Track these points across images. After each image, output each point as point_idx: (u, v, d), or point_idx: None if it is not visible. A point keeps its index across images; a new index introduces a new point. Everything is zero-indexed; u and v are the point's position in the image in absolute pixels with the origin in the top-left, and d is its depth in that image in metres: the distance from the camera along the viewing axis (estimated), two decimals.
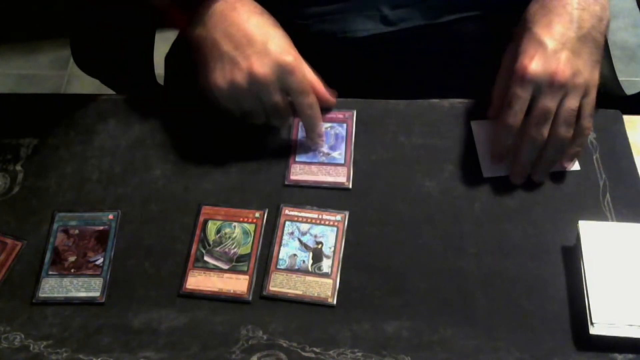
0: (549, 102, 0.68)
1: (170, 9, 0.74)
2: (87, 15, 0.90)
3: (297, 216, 0.70)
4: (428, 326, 0.64)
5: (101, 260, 0.69)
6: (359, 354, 0.62)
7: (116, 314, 0.65)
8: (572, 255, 0.67)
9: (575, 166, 0.73)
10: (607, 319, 0.61)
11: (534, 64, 0.67)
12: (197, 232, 0.70)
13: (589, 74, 0.69)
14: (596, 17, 0.70)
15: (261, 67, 0.68)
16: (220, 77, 0.70)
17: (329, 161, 0.74)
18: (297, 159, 0.75)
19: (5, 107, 0.81)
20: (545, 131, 0.69)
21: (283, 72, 0.69)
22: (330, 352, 0.62)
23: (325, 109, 0.77)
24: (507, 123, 0.69)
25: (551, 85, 0.67)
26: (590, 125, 0.71)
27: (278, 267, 0.67)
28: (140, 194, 0.73)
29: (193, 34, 0.73)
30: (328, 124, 0.77)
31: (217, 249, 0.69)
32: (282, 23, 0.82)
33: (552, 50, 0.68)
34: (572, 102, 0.68)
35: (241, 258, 0.68)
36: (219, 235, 0.70)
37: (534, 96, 0.68)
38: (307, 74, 0.72)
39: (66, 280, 0.67)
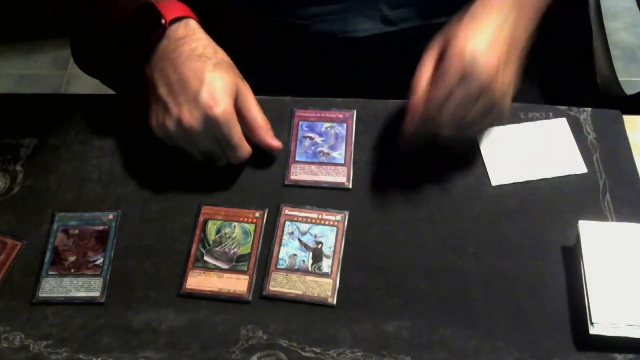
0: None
1: (125, 43, 0.74)
2: (86, 16, 0.90)
3: (297, 216, 0.70)
4: (428, 326, 0.64)
5: (101, 260, 0.69)
6: (359, 354, 0.62)
7: (116, 314, 0.65)
8: (572, 255, 0.67)
9: (582, 169, 0.73)
10: (607, 319, 0.61)
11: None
12: (197, 232, 0.70)
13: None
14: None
15: (190, 118, 0.68)
16: (154, 119, 0.71)
17: (329, 161, 0.74)
18: (297, 159, 0.75)
19: (5, 107, 0.81)
20: None
21: (210, 124, 0.68)
22: (330, 352, 0.62)
23: (326, 108, 0.78)
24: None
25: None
26: None
27: (278, 267, 0.67)
28: (140, 194, 0.73)
29: (142, 70, 0.73)
30: (328, 124, 0.77)
31: (217, 248, 0.69)
32: (283, 23, 0.82)
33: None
34: None
35: (241, 258, 0.68)
36: (219, 235, 0.70)
37: None
38: (252, 118, 0.71)
39: (66, 280, 0.67)
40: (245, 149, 0.71)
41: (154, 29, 0.71)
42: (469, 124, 0.68)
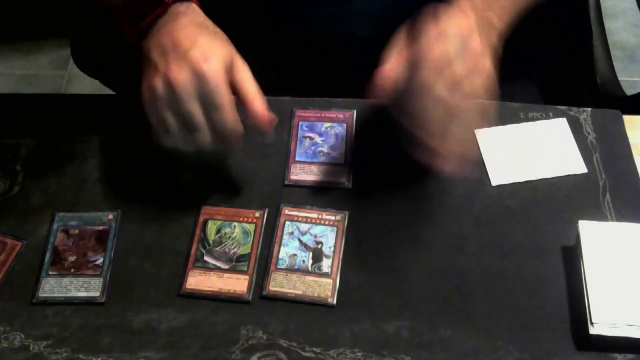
0: None
1: (121, 21, 0.73)
2: (86, 16, 0.90)
3: (297, 216, 0.70)
4: (428, 326, 0.64)
5: (101, 260, 0.69)
6: (359, 354, 0.62)
7: (116, 314, 0.65)
8: (572, 255, 0.67)
9: (582, 169, 0.73)
10: (607, 319, 0.61)
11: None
12: (197, 232, 0.70)
13: None
14: None
15: (178, 73, 0.64)
16: (145, 84, 0.67)
17: (329, 161, 0.74)
18: (297, 158, 0.75)
19: (5, 107, 0.81)
20: None
21: (198, 79, 0.64)
22: (330, 352, 0.62)
23: (326, 108, 0.78)
24: None
25: None
26: None
27: (278, 267, 0.67)
28: (140, 194, 0.73)
29: (139, 46, 0.70)
30: (328, 124, 0.77)
31: (217, 248, 0.69)
32: (283, 23, 0.82)
33: None
34: None
35: (241, 258, 0.68)
36: (219, 235, 0.70)
37: None
38: (247, 90, 0.67)
39: (66, 280, 0.67)
40: (233, 114, 0.65)
41: (155, 5, 0.69)
42: (456, 82, 0.63)
